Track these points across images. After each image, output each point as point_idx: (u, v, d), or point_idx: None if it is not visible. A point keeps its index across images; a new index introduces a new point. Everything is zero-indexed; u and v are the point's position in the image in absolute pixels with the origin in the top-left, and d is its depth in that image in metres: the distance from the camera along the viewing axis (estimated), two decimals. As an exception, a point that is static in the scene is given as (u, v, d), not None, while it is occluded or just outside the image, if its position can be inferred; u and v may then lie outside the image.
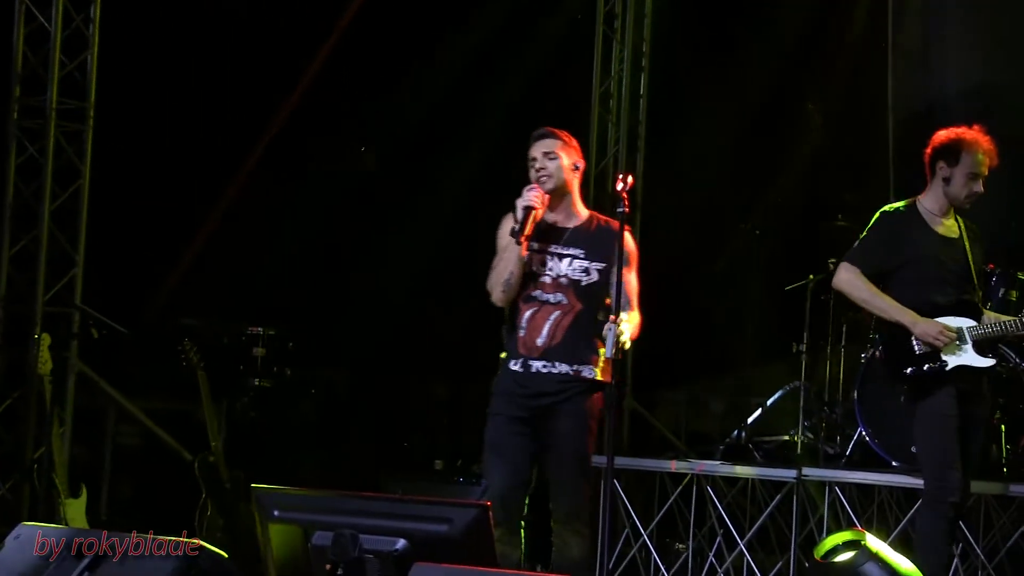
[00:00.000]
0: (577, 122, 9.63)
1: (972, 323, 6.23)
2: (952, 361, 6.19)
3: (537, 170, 5.79)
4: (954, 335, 6.17)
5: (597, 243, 5.77)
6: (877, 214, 6.46)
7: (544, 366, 5.73)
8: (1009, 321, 6.26)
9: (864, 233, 6.43)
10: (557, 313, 5.74)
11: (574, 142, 5.91)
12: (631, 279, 5.76)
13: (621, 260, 5.57)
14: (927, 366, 6.20)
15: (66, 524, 7.43)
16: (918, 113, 9.97)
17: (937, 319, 6.19)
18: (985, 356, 6.22)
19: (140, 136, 9.52)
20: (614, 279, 5.62)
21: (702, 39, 10.81)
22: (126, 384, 8.91)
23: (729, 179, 10.64)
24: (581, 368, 5.72)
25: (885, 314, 6.28)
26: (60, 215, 8.51)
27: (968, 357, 6.19)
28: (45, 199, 8.42)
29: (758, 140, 10.60)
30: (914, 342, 6.21)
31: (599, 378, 5.74)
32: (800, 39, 10.54)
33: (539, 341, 5.74)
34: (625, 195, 5.55)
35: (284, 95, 10.56)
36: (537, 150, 5.82)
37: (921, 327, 6.18)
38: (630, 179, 5.58)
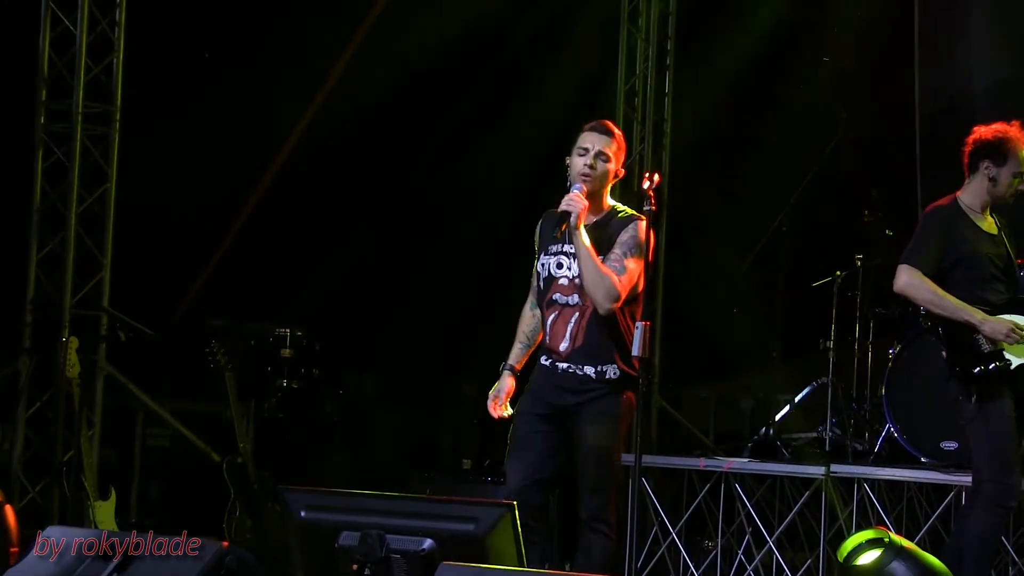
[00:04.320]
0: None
1: None
2: (1016, 360, 6.12)
3: (586, 165, 5.68)
4: (1022, 333, 6.12)
5: (604, 235, 5.69)
6: (925, 213, 6.41)
7: (569, 368, 5.70)
8: None
9: (916, 234, 6.36)
10: (576, 315, 5.70)
11: (624, 144, 5.85)
12: (627, 264, 5.62)
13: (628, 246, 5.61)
14: (993, 365, 6.11)
15: (95, 526, 7.46)
16: (944, 108, 9.92)
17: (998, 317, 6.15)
18: None
19: (166, 138, 9.54)
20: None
21: (726, 34, 10.78)
22: (154, 386, 8.93)
23: (755, 176, 10.62)
24: (605, 368, 5.66)
25: (953, 315, 6.16)
26: (87, 218, 8.54)
27: None
28: (72, 202, 8.45)
29: (784, 137, 10.57)
30: (980, 341, 6.16)
31: (629, 373, 5.64)
32: (826, 34, 10.51)
33: (562, 347, 5.71)
34: (652, 193, 5.52)
35: (312, 93, 10.58)
36: (592, 143, 5.70)
37: (990, 325, 6.10)
38: (656, 177, 5.56)
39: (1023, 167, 6.24)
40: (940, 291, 6.19)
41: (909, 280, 6.23)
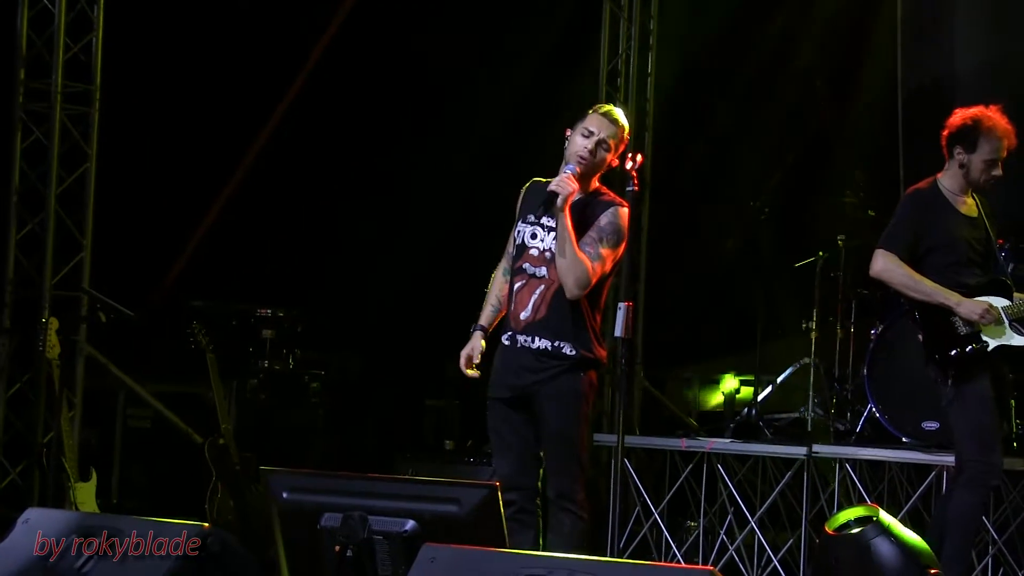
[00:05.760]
0: (584, 101, 9.60)
1: (1007, 302, 6.19)
2: (993, 341, 6.14)
3: (586, 149, 5.67)
4: (997, 314, 6.13)
5: (584, 216, 5.68)
6: (904, 197, 6.42)
7: (526, 340, 5.70)
8: None
9: (894, 217, 6.38)
10: (541, 287, 5.70)
11: (627, 138, 5.82)
12: (600, 251, 5.62)
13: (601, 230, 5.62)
14: (970, 347, 6.13)
15: (76, 508, 7.44)
16: (927, 89, 9.93)
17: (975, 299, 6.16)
18: (1022, 335, 6.18)
19: (147, 118, 9.50)
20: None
21: (709, 16, 10.77)
22: (135, 367, 8.90)
23: (738, 157, 10.62)
24: (562, 344, 5.66)
25: (929, 298, 6.19)
26: (67, 199, 8.49)
27: (1008, 336, 6.15)
28: (51, 183, 8.40)
29: (766, 117, 10.56)
30: (957, 323, 6.16)
31: (586, 356, 5.68)
32: (808, 14, 10.50)
33: (523, 315, 5.72)
34: (634, 174, 5.52)
35: (293, 74, 10.54)
36: (598, 129, 5.70)
37: (966, 306, 6.12)
38: (639, 158, 5.56)
39: (996, 154, 6.22)
40: (916, 275, 6.21)
41: (885, 264, 6.25)
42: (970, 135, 6.22)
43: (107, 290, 8.32)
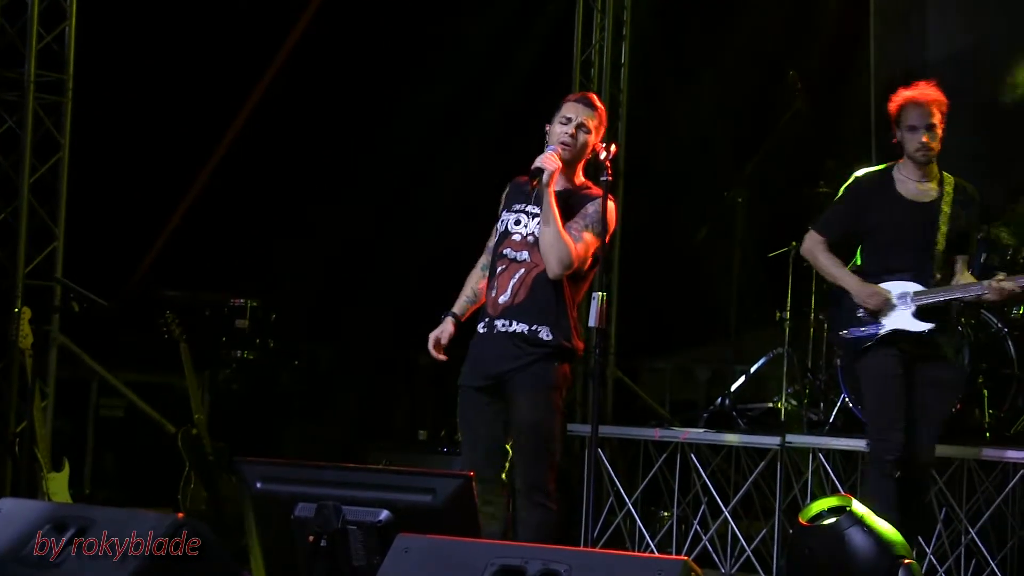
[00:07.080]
0: (558, 91, 9.60)
1: (918, 287, 6.23)
2: (887, 324, 6.24)
3: (567, 134, 5.71)
4: (886, 298, 6.19)
5: (569, 206, 5.71)
6: (848, 180, 6.50)
7: (503, 324, 5.70)
8: (957, 287, 6.26)
9: (833, 200, 6.51)
10: (521, 271, 5.71)
11: (606, 121, 5.87)
12: (584, 236, 5.65)
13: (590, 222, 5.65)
14: (862, 329, 6.28)
15: (48, 498, 7.42)
16: (899, 79, 9.92)
17: (881, 283, 6.23)
18: (923, 321, 6.22)
19: (120, 107, 9.45)
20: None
21: (682, 6, 10.78)
22: (108, 357, 8.87)
23: (711, 147, 10.63)
24: (539, 329, 5.66)
25: (837, 281, 6.39)
26: (40, 188, 8.45)
27: (903, 321, 6.22)
28: (24, 172, 8.35)
29: (739, 107, 10.58)
30: (859, 306, 6.29)
31: (563, 344, 5.68)
32: (781, 4, 10.52)
33: (502, 299, 5.72)
34: (608, 164, 5.54)
35: (266, 64, 10.51)
36: (576, 114, 5.75)
37: (855, 290, 6.29)
38: (612, 148, 5.57)
39: (914, 120, 6.24)
40: (830, 258, 6.43)
41: (809, 245, 6.52)
42: (895, 113, 6.35)
43: (80, 279, 8.30)
